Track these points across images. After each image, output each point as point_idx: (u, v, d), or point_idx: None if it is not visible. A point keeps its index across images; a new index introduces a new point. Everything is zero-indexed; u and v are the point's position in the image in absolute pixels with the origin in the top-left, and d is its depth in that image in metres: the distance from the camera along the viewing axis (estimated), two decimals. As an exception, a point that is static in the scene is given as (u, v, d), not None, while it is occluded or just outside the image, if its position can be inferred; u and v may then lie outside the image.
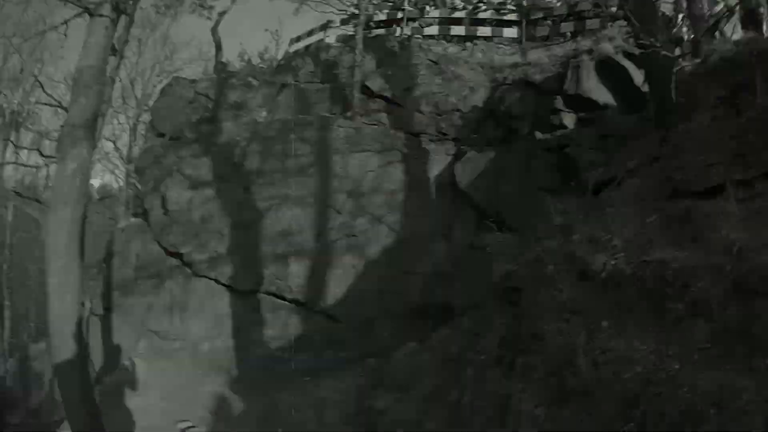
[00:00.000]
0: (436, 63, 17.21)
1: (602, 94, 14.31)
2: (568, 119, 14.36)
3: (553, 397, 6.83)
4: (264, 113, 17.82)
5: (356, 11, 18.97)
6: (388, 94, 16.90)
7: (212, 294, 15.01)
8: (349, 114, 16.61)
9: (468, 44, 18.57)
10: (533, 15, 18.96)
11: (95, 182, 33.79)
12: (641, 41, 10.64)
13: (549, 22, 18.78)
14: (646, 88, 12.81)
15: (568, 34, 17.99)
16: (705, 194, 8.13)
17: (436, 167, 15.29)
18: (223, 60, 22.12)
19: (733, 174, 7.88)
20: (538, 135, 14.30)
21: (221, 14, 22.38)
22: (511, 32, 18.87)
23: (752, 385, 5.16)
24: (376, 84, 17.13)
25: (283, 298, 14.43)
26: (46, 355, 16.48)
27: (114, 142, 27.76)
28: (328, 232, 14.67)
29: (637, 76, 13.95)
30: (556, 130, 14.21)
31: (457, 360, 9.48)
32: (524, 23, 18.71)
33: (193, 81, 20.42)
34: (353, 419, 10.89)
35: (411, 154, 15.45)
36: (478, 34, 19.00)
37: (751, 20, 11.60)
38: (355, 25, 18.00)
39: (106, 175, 40.70)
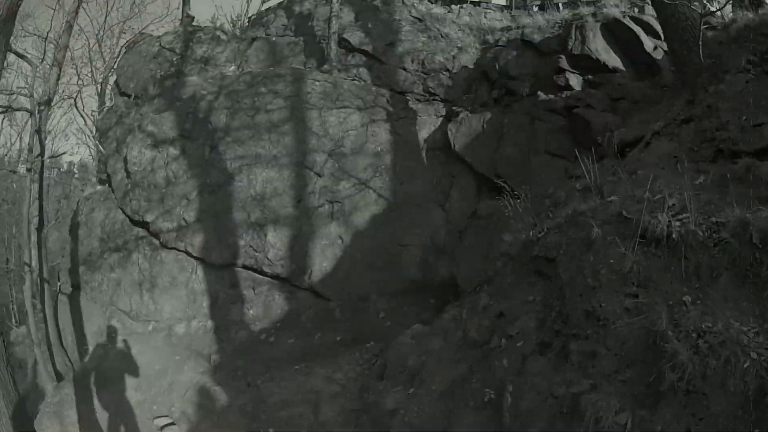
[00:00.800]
0: (420, 20, 14.45)
1: (610, 58, 11.85)
2: (574, 80, 11.79)
3: (641, 398, 5.06)
4: (232, 67, 14.75)
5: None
6: (368, 48, 13.93)
7: (183, 268, 12.08)
8: (325, 67, 13.73)
9: (453, 7, 15.67)
10: (525, -18, 15.96)
11: (73, 158, 29.98)
12: None
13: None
14: (658, 55, 11.43)
15: (560, 6, 15.31)
16: (755, 154, 7.02)
17: (425, 129, 12.48)
18: (190, 12, 18.55)
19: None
20: (542, 96, 11.68)
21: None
22: (499, -1, 15.84)
23: None
24: (355, 37, 14.20)
25: (263, 273, 11.54)
26: (27, 340, 13.46)
27: (80, 109, 23.73)
28: (308, 197, 11.74)
29: (647, 42, 11.82)
30: (562, 92, 11.61)
31: (480, 346, 7.17)
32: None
33: (159, 37, 17.07)
34: (356, 418, 8.26)
35: (397, 113, 12.60)
36: (465, -2, 15.93)
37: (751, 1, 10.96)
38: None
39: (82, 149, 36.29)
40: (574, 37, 11.90)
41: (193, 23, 17.49)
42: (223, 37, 15.88)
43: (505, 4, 16.14)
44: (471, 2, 16.10)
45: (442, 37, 14.07)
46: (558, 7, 15.32)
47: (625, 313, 5.56)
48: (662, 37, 11.60)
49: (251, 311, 11.34)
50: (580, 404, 5.25)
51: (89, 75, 23.09)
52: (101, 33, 24.33)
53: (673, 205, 6.06)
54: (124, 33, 23.93)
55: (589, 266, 6.12)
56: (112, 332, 11.69)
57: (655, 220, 5.82)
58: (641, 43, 11.84)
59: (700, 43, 9.20)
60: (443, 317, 8.49)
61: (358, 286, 11.02)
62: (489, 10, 15.67)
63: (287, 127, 12.36)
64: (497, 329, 7.04)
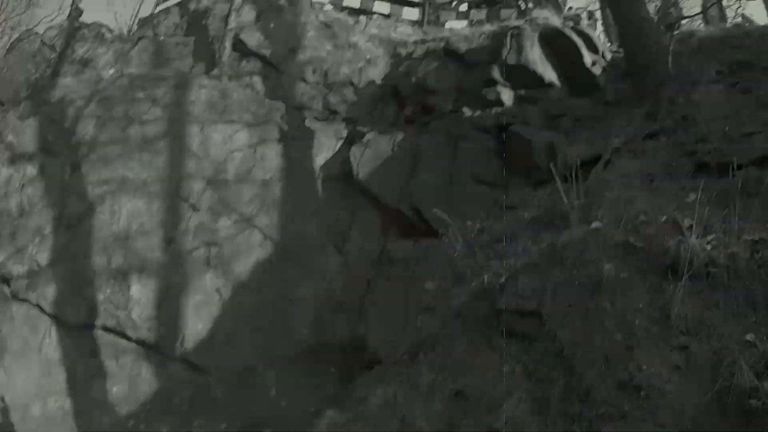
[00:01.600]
0: (328, 26, 12.53)
1: (546, 71, 10.48)
2: (506, 95, 10.23)
3: None
4: (112, 70, 12.32)
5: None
6: (266, 52, 11.95)
7: (35, 328, 9.48)
8: (215, 72, 11.61)
9: (361, 18, 13.97)
10: (439, -3, 14.88)
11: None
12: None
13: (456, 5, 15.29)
14: (596, 70, 10.54)
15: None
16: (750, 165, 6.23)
17: (323, 153, 10.44)
18: (80, 6, 15.75)
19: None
20: (467, 112, 10.11)
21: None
22: (411, 13, 14.66)
23: None
24: (253, 39, 12.16)
25: (127, 337, 9.09)
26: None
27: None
28: (180, 238, 9.39)
29: (587, 56, 10.68)
30: (491, 108, 10.07)
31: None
32: (427, 4, 14.64)
33: (42, 33, 14.49)
34: None
35: (291, 132, 10.57)
36: (374, 10, 14.47)
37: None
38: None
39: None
40: (509, 46, 10.48)
41: (80, 18, 14.80)
42: (108, 35, 13.50)
43: (416, 19, 14.61)
44: (380, 14, 14.46)
45: (349, 46, 12.17)
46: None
47: (675, 372, 4.17)
48: (599, 51, 11.07)
49: (115, 389, 8.89)
50: None
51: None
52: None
53: (690, 227, 4.95)
54: (12, 29, 21.41)
55: (611, 316, 4.60)
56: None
57: (684, 245, 4.70)
58: (581, 57, 10.55)
59: (670, 52, 9.06)
60: (369, 401, 6.14)
61: (240, 354, 8.72)
62: (399, 24, 14.06)
63: (163, 144, 10.11)
64: (461, 417, 4.97)
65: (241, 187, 9.72)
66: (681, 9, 14.11)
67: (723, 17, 12.92)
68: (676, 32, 9.69)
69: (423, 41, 12.40)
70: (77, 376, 9.06)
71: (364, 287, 8.77)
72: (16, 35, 18.95)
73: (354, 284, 8.89)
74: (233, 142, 10.09)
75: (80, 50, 13.00)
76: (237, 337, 8.80)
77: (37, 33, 15.24)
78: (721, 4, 13.04)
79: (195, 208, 9.50)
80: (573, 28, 11.24)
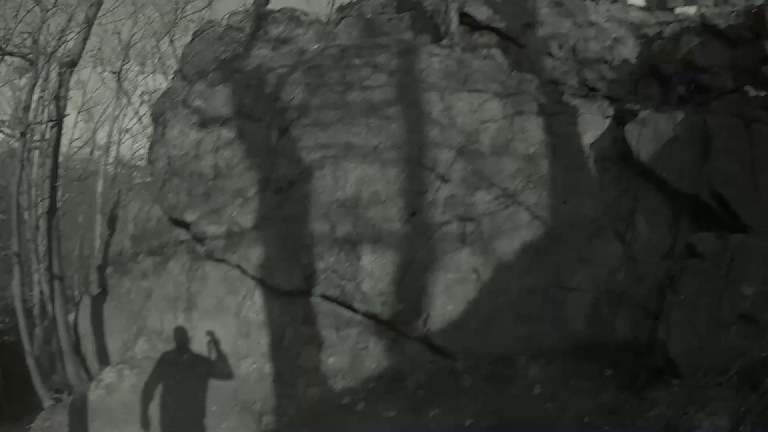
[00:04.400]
0: (560, 4, 11.16)
1: None
2: None
3: None
4: (316, 46, 11.41)
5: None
6: (500, 26, 10.69)
7: (234, 289, 8.90)
8: (445, 42, 10.50)
9: (588, 2, 12.63)
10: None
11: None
12: None
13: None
14: None
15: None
16: None
17: (588, 132, 9.10)
18: None
19: None
20: (752, 91, 8.73)
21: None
22: (638, -2, 13.89)
23: None
24: (481, 13, 10.83)
25: (353, 309, 8.22)
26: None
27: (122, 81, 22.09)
28: (426, 209, 8.40)
29: None
30: None
31: None
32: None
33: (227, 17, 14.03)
34: None
35: (551, 106, 9.33)
36: (601, -8, 13.75)
37: None
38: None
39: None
40: (792, 14, 9.36)
41: (268, 5, 14.13)
42: (304, 18, 12.67)
43: (643, 5, 13.22)
44: None
45: (590, 25, 10.92)
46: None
47: None
48: None
49: (331, 360, 8.13)
50: None
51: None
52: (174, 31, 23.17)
53: None
54: (192, 22, 22.44)
55: None
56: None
57: None
58: None
59: None
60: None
61: (498, 342, 7.67)
62: (629, 9, 12.72)
63: (394, 111, 9.11)
64: None
65: (500, 159, 8.65)
66: None
67: None
68: None
69: (666, 22, 11.18)
70: (283, 341, 8.45)
71: (651, 282, 7.56)
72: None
73: (639, 277, 7.71)
74: (483, 112, 9.00)
75: (274, 31, 12.28)
76: (495, 323, 7.79)
77: (219, 22, 14.92)
78: None
79: (444, 179, 8.55)
80: None
